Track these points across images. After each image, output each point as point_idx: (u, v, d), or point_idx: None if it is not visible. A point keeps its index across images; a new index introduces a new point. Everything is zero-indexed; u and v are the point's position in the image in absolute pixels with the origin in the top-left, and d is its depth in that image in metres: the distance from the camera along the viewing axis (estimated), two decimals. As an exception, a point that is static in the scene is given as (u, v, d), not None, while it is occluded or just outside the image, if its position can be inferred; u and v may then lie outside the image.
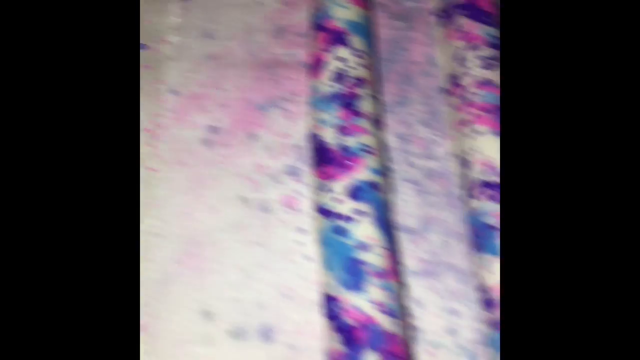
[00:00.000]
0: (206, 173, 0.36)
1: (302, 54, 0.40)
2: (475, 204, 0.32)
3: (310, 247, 0.34)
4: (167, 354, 0.31)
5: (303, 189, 0.36)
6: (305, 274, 0.33)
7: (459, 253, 0.34)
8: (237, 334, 0.32)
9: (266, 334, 0.32)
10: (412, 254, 0.34)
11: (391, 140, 0.37)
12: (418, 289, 0.33)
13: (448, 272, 0.33)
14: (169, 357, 0.31)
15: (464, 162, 0.34)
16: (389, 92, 0.39)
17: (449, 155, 0.36)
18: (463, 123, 0.34)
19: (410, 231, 0.34)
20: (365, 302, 0.29)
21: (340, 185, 0.32)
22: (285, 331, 0.32)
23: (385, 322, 0.29)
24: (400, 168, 0.36)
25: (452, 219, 0.35)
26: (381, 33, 0.41)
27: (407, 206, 0.35)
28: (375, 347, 0.28)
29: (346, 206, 0.31)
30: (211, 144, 0.37)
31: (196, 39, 0.40)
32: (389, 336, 0.28)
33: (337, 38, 0.36)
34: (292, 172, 0.36)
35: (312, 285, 0.33)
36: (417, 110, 0.38)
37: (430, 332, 0.32)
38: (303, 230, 0.34)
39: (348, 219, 0.31)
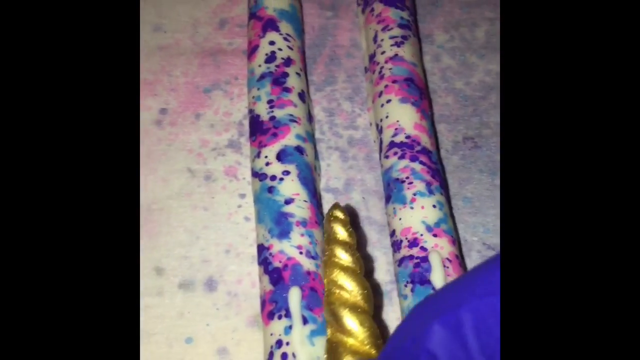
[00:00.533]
0: (158, 149, 0.41)
1: (241, 42, 0.45)
2: (387, 162, 0.37)
3: (249, 210, 0.39)
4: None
5: (243, 160, 0.40)
6: (245, 232, 0.38)
7: (376, 208, 0.39)
8: (186, 285, 0.37)
9: (210, 285, 0.37)
10: (337, 211, 0.39)
11: (320, 114, 0.42)
12: (342, 239, 0.38)
13: (367, 224, 0.38)
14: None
15: (379, 129, 0.39)
16: (318, 73, 0.44)
17: (368, 125, 0.41)
18: (378, 94, 0.40)
19: (334, 191, 0.40)
20: (289, 247, 0.34)
21: (271, 150, 0.37)
22: (227, 282, 0.37)
23: (306, 263, 0.34)
24: (327, 138, 0.41)
25: (371, 179, 0.40)
26: (312, 22, 0.46)
27: (332, 170, 0.40)
28: (297, 284, 0.33)
29: (274, 168, 0.36)
30: (162, 124, 0.42)
31: (147, 32, 0.45)
32: (310, 274, 0.33)
33: (269, 24, 0.41)
34: (234, 145, 0.41)
35: (251, 242, 0.38)
36: (342, 88, 0.43)
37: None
38: (243, 195, 0.39)
39: (276, 178, 0.36)
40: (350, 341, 0.29)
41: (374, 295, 0.30)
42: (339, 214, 0.31)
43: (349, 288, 0.29)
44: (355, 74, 0.44)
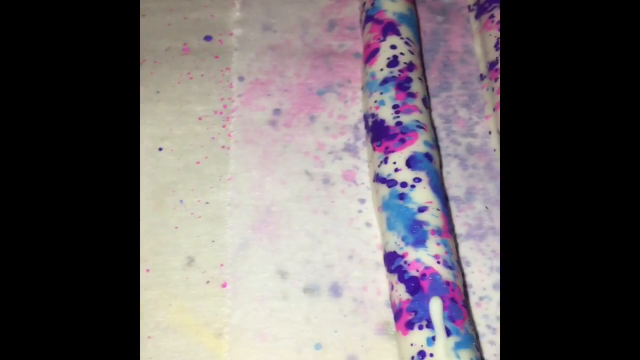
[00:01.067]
0: (273, 150, 0.40)
1: (352, 45, 0.44)
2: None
3: (369, 215, 0.38)
4: (251, 308, 0.36)
5: (360, 164, 0.40)
6: (367, 238, 0.38)
7: (499, 218, 0.38)
8: (311, 290, 0.36)
9: (335, 291, 0.36)
10: (459, 220, 0.38)
11: (436, 120, 0.42)
12: (465, 250, 0.38)
13: (491, 235, 0.38)
14: (251, 311, 0.36)
15: (505, 138, 0.38)
16: (432, 79, 0.43)
17: (487, 132, 0.41)
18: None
19: (457, 200, 0.39)
20: (426, 256, 0.33)
21: (400, 157, 0.36)
22: (352, 288, 0.36)
23: (444, 273, 0.33)
24: (444, 145, 0.41)
25: (493, 189, 0.39)
26: (423, 26, 0.45)
27: (452, 178, 0.40)
28: (437, 294, 0.32)
29: (405, 174, 0.36)
30: (276, 125, 0.41)
31: (257, 31, 0.45)
32: (449, 285, 0.33)
33: (389, 28, 0.41)
34: (350, 149, 0.41)
35: (373, 248, 0.37)
36: (458, 94, 0.43)
37: (478, 287, 0.36)
38: (363, 201, 0.39)
39: (407, 185, 0.35)
40: None
41: None
42: None
43: None
44: (471, 80, 0.43)
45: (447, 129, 0.41)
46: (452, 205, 0.39)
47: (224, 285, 0.36)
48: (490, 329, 0.35)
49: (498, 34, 0.41)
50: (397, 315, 0.33)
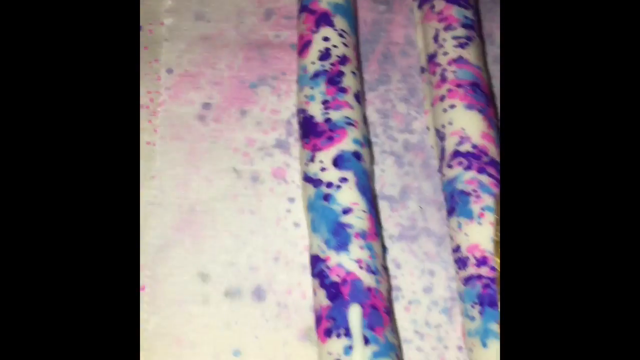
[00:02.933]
0: (201, 146, 0.39)
1: (288, 35, 0.42)
2: (450, 172, 0.35)
3: (298, 215, 0.37)
4: (168, 313, 0.34)
5: (292, 161, 0.38)
6: (294, 239, 0.36)
7: (434, 219, 0.37)
8: (232, 294, 0.35)
9: (258, 294, 0.35)
10: (391, 220, 0.37)
11: (372, 115, 0.40)
12: (397, 251, 0.36)
13: (425, 236, 0.36)
14: (169, 316, 0.34)
15: (440, 135, 0.37)
16: (371, 71, 0.41)
17: (426, 129, 0.39)
18: (439, 98, 0.37)
19: (390, 199, 0.37)
20: (348, 260, 0.32)
21: (326, 155, 0.35)
22: (276, 291, 0.35)
23: (366, 279, 0.32)
24: (381, 141, 0.39)
25: (428, 188, 0.38)
26: (364, 16, 0.43)
27: (387, 176, 0.38)
28: (357, 301, 0.31)
29: (331, 174, 0.34)
30: (205, 120, 0.39)
31: (189, 20, 0.42)
32: (370, 291, 0.31)
33: (323, 19, 0.39)
34: (282, 146, 0.39)
35: (300, 249, 0.36)
36: (397, 88, 0.41)
37: (408, 291, 0.35)
38: (292, 200, 0.37)
39: (332, 185, 0.34)
40: None
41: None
42: None
43: None
44: (411, 73, 0.41)
45: (384, 124, 0.40)
46: (385, 205, 0.37)
47: (141, 289, 0.35)
48: (418, 335, 0.34)
49: (438, 25, 0.39)
50: (318, 321, 0.32)
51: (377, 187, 0.38)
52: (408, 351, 0.33)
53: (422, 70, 0.41)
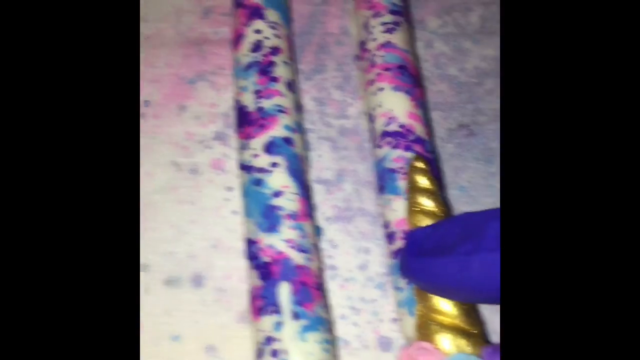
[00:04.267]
0: (141, 143, 0.39)
1: (227, 32, 0.43)
2: (380, 152, 0.36)
3: (236, 203, 0.37)
4: (109, 302, 0.35)
5: (230, 152, 0.39)
6: (233, 226, 0.37)
7: (368, 199, 0.37)
8: (172, 282, 0.35)
9: (197, 281, 0.35)
10: (328, 203, 0.38)
11: (309, 104, 0.41)
12: (333, 232, 0.37)
13: (359, 216, 0.37)
14: (111, 306, 0.35)
15: (371, 118, 0.38)
16: (307, 62, 0.42)
17: (360, 114, 0.40)
18: (369, 83, 0.38)
19: (326, 182, 0.38)
20: (278, 241, 0.33)
21: (258, 142, 0.36)
22: (215, 277, 0.36)
23: (296, 257, 0.32)
24: (317, 128, 0.40)
25: (363, 170, 0.38)
26: (301, 9, 0.44)
27: (323, 161, 0.39)
28: (287, 279, 0.32)
29: (263, 160, 0.35)
30: (145, 117, 0.40)
31: (129, 23, 0.44)
32: (300, 269, 0.32)
33: (255, 12, 0.40)
34: (220, 138, 0.40)
35: (238, 236, 0.37)
36: (332, 76, 0.42)
37: (344, 269, 0.36)
38: (230, 188, 0.38)
39: (264, 170, 0.35)
40: (442, 318, 0.29)
41: None
42: (420, 164, 0.33)
43: None
44: (346, 62, 0.42)
45: (320, 112, 0.41)
46: (322, 188, 0.38)
47: (83, 282, 0.35)
48: (354, 310, 0.35)
49: (368, 13, 0.40)
50: (251, 302, 0.33)
51: (314, 172, 0.38)
52: (345, 326, 0.34)
53: (357, 57, 0.42)
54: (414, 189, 0.33)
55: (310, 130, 0.40)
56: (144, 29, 0.43)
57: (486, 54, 0.43)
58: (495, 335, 0.33)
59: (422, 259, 0.28)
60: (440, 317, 0.30)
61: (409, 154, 0.35)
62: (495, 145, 0.39)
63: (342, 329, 0.34)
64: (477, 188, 0.38)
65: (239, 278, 0.35)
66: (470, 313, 0.30)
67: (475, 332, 0.29)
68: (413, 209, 0.32)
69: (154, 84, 0.41)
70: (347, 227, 0.37)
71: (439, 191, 0.33)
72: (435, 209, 0.32)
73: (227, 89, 0.41)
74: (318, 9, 0.44)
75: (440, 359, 0.28)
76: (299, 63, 0.42)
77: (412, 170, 0.33)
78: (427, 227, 0.30)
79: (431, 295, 0.30)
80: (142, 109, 0.40)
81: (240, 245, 0.36)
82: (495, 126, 0.40)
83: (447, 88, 0.41)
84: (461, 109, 0.41)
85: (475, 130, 0.40)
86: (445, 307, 0.30)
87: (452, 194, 0.38)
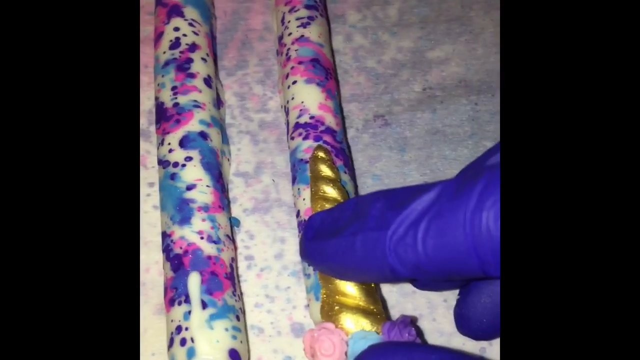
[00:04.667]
0: (65, 141, 0.40)
1: (152, 30, 0.44)
2: (293, 143, 0.37)
3: (157, 198, 0.38)
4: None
5: (152, 148, 0.40)
6: (153, 221, 0.38)
7: (285, 190, 0.38)
8: (93, 276, 0.36)
9: (119, 274, 0.36)
10: (246, 195, 0.39)
11: (231, 99, 0.42)
12: (251, 223, 0.38)
13: (277, 207, 0.38)
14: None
15: (286, 110, 0.38)
16: (230, 58, 0.43)
17: (279, 107, 0.41)
18: (285, 76, 0.39)
19: (245, 175, 0.39)
20: (190, 233, 0.34)
21: (174, 137, 0.36)
22: (136, 270, 0.36)
23: (207, 248, 0.33)
24: (238, 122, 0.41)
25: (281, 161, 0.39)
26: (224, 6, 0.45)
27: (243, 155, 0.40)
28: (197, 269, 0.33)
29: (177, 154, 0.36)
30: (69, 116, 0.41)
31: (54, 24, 0.44)
32: (210, 259, 0.33)
33: (173, 10, 0.41)
34: (143, 134, 0.40)
35: (159, 230, 0.37)
36: (254, 71, 0.43)
37: (260, 259, 0.37)
38: (152, 184, 0.39)
39: (178, 165, 0.35)
40: (344, 299, 0.30)
41: None
42: (322, 154, 0.34)
43: None
44: (267, 57, 0.43)
45: (242, 106, 0.42)
46: (241, 181, 0.39)
47: None
48: (268, 298, 0.36)
49: (285, 8, 0.41)
50: (165, 293, 0.33)
51: (234, 165, 0.39)
52: (259, 314, 0.35)
53: (277, 53, 0.43)
54: (316, 177, 0.34)
55: (231, 124, 0.41)
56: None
57: (403, 45, 0.44)
58: (397, 315, 0.34)
59: (316, 242, 0.29)
60: (343, 299, 0.31)
61: (314, 144, 0.36)
62: (409, 134, 0.40)
63: (256, 317, 0.35)
64: (390, 176, 0.39)
65: (158, 271, 0.36)
66: (371, 293, 0.31)
67: (375, 310, 0.30)
68: (316, 196, 0.33)
69: (78, 84, 0.42)
70: (264, 218, 0.38)
71: (339, 179, 0.34)
72: (338, 196, 0.33)
73: (151, 87, 0.42)
74: (242, 6, 0.45)
75: (342, 337, 0.30)
76: (222, 59, 0.43)
77: (314, 160, 0.34)
78: (323, 211, 0.31)
79: (332, 278, 0.31)
80: (66, 109, 0.41)
81: (159, 239, 0.37)
82: (410, 115, 0.41)
83: (364, 80, 0.43)
84: (377, 100, 0.42)
85: (390, 120, 0.41)
86: (348, 289, 0.31)
87: (366, 182, 0.39)
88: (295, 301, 0.35)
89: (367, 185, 0.39)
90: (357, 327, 0.30)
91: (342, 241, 0.28)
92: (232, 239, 0.36)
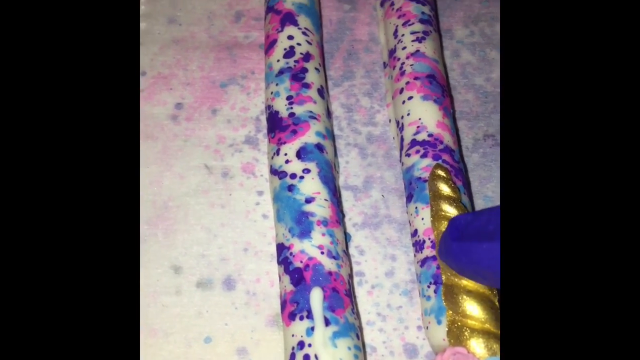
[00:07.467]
0: (173, 145, 0.40)
1: (257, 36, 0.44)
2: (408, 160, 0.37)
3: (266, 207, 0.38)
4: (142, 304, 0.36)
5: (260, 156, 0.40)
6: (263, 230, 0.38)
7: (395, 206, 0.38)
8: (204, 284, 0.36)
9: (228, 284, 0.36)
10: (355, 209, 0.38)
11: (337, 110, 0.42)
12: (361, 238, 0.38)
13: (386, 223, 0.38)
14: (143, 307, 0.36)
15: (400, 126, 0.38)
16: (336, 68, 0.43)
17: (388, 121, 0.41)
18: (399, 91, 0.39)
19: (354, 189, 0.39)
20: (310, 247, 0.33)
21: (290, 148, 0.36)
22: (245, 280, 0.36)
23: (327, 263, 0.33)
24: (345, 134, 0.41)
25: (390, 177, 0.39)
26: (330, 15, 0.45)
27: (351, 168, 0.40)
28: (319, 284, 0.33)
29: (295, 166, 0.36)
30: (178, 119, 0.41)
31: (162, 25, 0.44)
32: (331, 275, 0.33)
33: (287, 18, 0.41)
34: (251, 142, 0.40)
35: (269, 240, 0.37)
36: (361, 83, 0.42)
37: (371, 276, 0.37)
38: (261, 193, 0.39)
39: (296, 176, 0.35)
40: (471, 323, 0.30)
41: None
42: (442, 172, 0.34)
43: None
44: (374, 69, 0.43)
45: (349, 118, 0.41)
46: (350, 194, 0.39)
47: (117, 282, 0.36)
48: (380, 317, 0.35)
49: (397, 21, 0.41)
50: (282, 306, 0.34)
51: (342, 177, 0.39)
52: (371, 332, 0.35)
53: (385, 65, 0.42)
54: (436, 196, 0.34)
55: (339, 136, 0.41)
56: (178, 32, 0.44)
57: (513, 64, 0.43)
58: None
59: (464, 243, 0.29)
60: (470, 322, 0.30)
61: (433, 163, 0.35)
62: (521, 155, 0.40)
63: (369, 335, 0.35)
64: (503, 198, 0.39)
65: (269, 282, 0.36)
66: (498, 315, 0.31)
67: None
68: (437, 215, 0.33)
69: (187, 87, 0.42)
70: (374, 234, 0.38)
71: (460, 198, 0.34)
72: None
73: (257, 93, 0.42)
74: (347, 16, 0.45)
75: None
76: (328, 69, 0.43)
77: (433, 178, 0.34)
78: (469, 214, 0.31)
79: (461, 301, 0.31)
80: (175, 112, 0.41)
81: (269, 249, 0.37)
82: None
83: (473, 98, 0.42)
84: (487, 118, 0.41)
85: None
86: (475, 312, 0.30)
87: (478, 203, 0.38)
88: (407, 321, 0.35)
89: (479, 207, 0.38)
90: (488, 351, 0.30)
91: (495, 246, 0.27)
92: (348, 255, 0.36)
